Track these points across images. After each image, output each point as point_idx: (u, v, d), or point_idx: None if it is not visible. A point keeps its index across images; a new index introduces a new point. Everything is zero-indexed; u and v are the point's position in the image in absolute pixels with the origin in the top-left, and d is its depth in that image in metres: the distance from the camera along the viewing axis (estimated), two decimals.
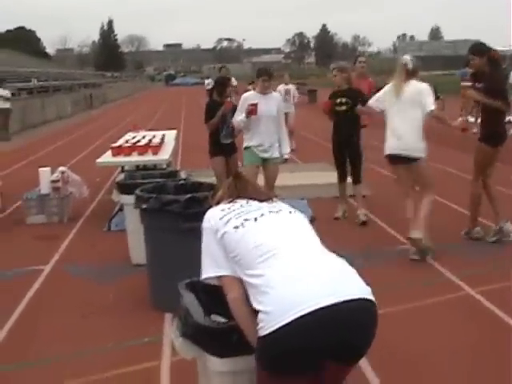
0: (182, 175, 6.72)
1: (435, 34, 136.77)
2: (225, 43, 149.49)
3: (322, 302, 2.24)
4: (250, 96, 7.30)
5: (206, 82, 36.34)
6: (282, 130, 7.39)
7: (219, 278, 2.64)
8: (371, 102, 6.74)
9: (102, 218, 8.14)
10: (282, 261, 2.40)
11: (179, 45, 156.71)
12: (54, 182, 8.25)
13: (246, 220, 2.57)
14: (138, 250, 6.21)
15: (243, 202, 2.73)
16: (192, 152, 13.42)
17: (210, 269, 2.67)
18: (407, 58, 6.43)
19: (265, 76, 7.24)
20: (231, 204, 2.73)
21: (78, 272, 6.15)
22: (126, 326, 4.88)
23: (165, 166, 8.26)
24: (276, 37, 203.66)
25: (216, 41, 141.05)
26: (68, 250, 7.00)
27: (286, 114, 11.42)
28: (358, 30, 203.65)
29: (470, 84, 19.87)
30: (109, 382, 4.05)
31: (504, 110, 6.72)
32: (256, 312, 2.42)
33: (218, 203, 2.83)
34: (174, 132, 10.80)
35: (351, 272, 2.41)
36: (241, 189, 2.83)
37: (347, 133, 7.72)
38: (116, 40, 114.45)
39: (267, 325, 2.28)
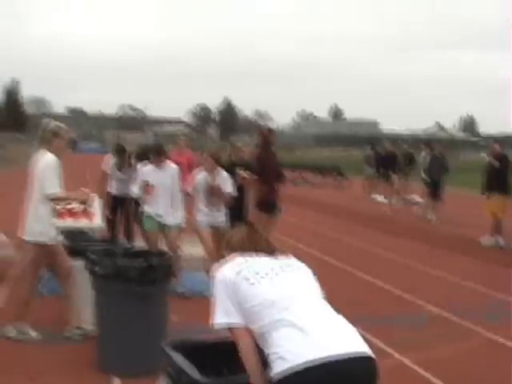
0: (122, 241, 6.85)
1: (335, 112, 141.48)
2: (128, 110, 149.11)
3: (330, 356, 2.50)
4: (145, 171, 7.92)
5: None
6: (176, 198, 7.87)
7: (230, 326, 2.83)
8: None
9: None
10: (293, 316, 2.67)
11: (80, 109, 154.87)
12: None
13: (261, 278, 2.82)
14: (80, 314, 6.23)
15: (254, 255, 2.98)
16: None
17: (222, 317, 2.84)
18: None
19: (155, 153, 7.91)
20: (244, 258, 2.95)
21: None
22: None
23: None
24: (177, 106, 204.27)
25: (119, 106, 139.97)
26: (0, 313, 6.87)
27: None
28: (260, 104, 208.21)
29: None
30: None
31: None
32: (263, 362, 2.68)
33: (231, 250, 3.08)
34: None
35: (353, 330, 2.71)
36: (255, 241, 3.07)
37: None
38: (21, 101, 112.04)
39: (278, 367, 2.54)
